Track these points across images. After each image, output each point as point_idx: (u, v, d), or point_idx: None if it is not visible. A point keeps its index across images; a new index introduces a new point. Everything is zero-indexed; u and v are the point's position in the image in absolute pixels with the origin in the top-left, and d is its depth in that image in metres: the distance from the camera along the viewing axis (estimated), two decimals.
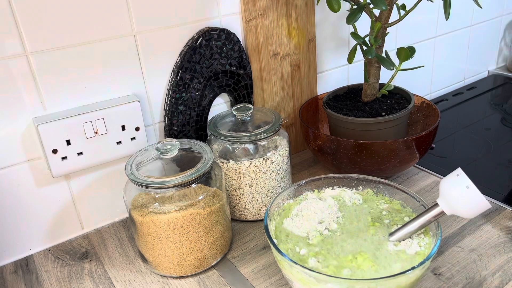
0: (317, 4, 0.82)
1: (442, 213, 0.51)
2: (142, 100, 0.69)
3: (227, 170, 0.67)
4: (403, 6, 0.73)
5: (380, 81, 0.78)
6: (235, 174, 0.67)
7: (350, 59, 0.73)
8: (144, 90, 0.69)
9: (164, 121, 0.72)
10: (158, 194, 0.57)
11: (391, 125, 0.73)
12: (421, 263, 0.45)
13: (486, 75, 1.33)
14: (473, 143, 0.96)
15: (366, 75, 0.76)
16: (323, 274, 0.47)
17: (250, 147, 0.67)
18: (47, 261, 0.66)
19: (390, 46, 0.98)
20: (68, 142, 0.62)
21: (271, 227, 0.55)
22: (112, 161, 0.68)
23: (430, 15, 1.06)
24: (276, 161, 0.67)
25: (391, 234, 0.53)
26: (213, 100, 0.75)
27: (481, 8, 0.88)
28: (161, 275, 0.61)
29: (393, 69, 0.72)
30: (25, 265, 0.65)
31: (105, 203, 0.72)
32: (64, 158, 0.62)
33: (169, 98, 0.70)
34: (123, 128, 0.65)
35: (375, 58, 0.73)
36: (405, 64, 0.75)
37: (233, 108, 0.70)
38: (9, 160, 0.62)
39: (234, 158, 0.67)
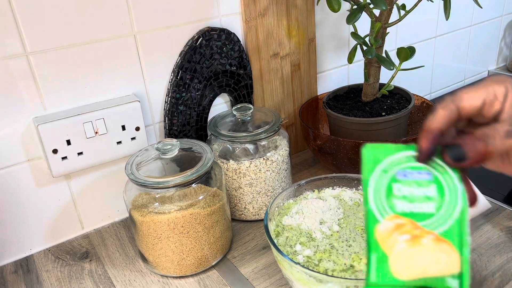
0: (317, 4, 0.82)
1: None
2: (142, 100, 0.69)
3: (227, 170, 0.67)
4: (403, 6, 0.73)
5: (380, 81, 0.78)
6: (235, 174, 0.67)
7: (350, 59, 0.73)
8: (144, 90, 0.69)
9: (164, 121, 0.72)
10: (158, 194, 0.57)
11: (391, 125, 0.73)
12: None
13: (486, 75, 1.33)
14: None
15: (366, 75, 0.76)
16: (323, 274, 0.47)
17: (250, 147, 0.67)
18: (47, 261, 0.66)
19: (390, 46, 0.98)
20: (68, 142, 0.62)
21: (271, 227, 0.55)
22: (112, 161, 0.68)
23: (430, 15, 1.06)
24: (276, 161, 0.67)
25: None
26: (213, 100, 0.75)
27: (481, 8, 0.88)
28: (161, 275, 0.61)
29: (393, 69, 0.72)
30: (25, 265, 0.65)
31: (105, 203, 0.72)
32: (64, 158, 0.62)
33: (169, 98, 0.70)
34: (123, 128, 0.65)
35: (375, 58, 0.73)
36: (405, 64, 0.75)
37: (233, 108, 0.70)
38: (9, 160, 0.62)
39: (234, 158, 0.67)
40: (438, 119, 0.35)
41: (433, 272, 0.31)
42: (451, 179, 0.34)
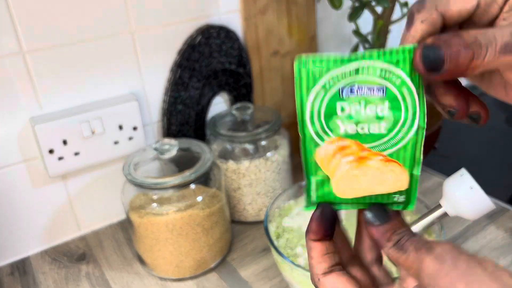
0: (318, 1, 0.81)
1: (445, 215, 0.49)
2: (140, 99, 0.68)
3: (226, 170, 0.66)
4: (405, 4, 0.72)
5: None
6: (235, 174, 0.66)
7: None
8: (142, 89, 0.68)
9: (163, 120, 0.71)
10: (156, 195, 0.57)
11: None
12: None
13: None
14: (477, 143, 0.95)
15: None
16: None
17: (250, 147, 0.66)
18: (44, 262, 0.65)
19: (392, 44, 0.97)
20: (65, 142, 0.61)
21: (272, 228, 0.55)
22: (110, 161, 0.67)
23: None
24: (277, 161, 0.67)
25: None
26: (212, 99, 0.74)
27: None
28: (159, 278, 0.60)
29: None
30: (21, 267, 0.65)
31: (103, 204, 0.71)
32: (60, 158, 0.61)
33: (167, 97, 0.69)
34: (121, 127, 0.64)
35: None
36: None
37: (233, 107, 0.69)
38: (5, 161, 0.61)
39: (233, 158, 0.66)
40: (415, 35, 0.27)
41: (379, 191, 0.27)
42: (410, 93, 0.27)
